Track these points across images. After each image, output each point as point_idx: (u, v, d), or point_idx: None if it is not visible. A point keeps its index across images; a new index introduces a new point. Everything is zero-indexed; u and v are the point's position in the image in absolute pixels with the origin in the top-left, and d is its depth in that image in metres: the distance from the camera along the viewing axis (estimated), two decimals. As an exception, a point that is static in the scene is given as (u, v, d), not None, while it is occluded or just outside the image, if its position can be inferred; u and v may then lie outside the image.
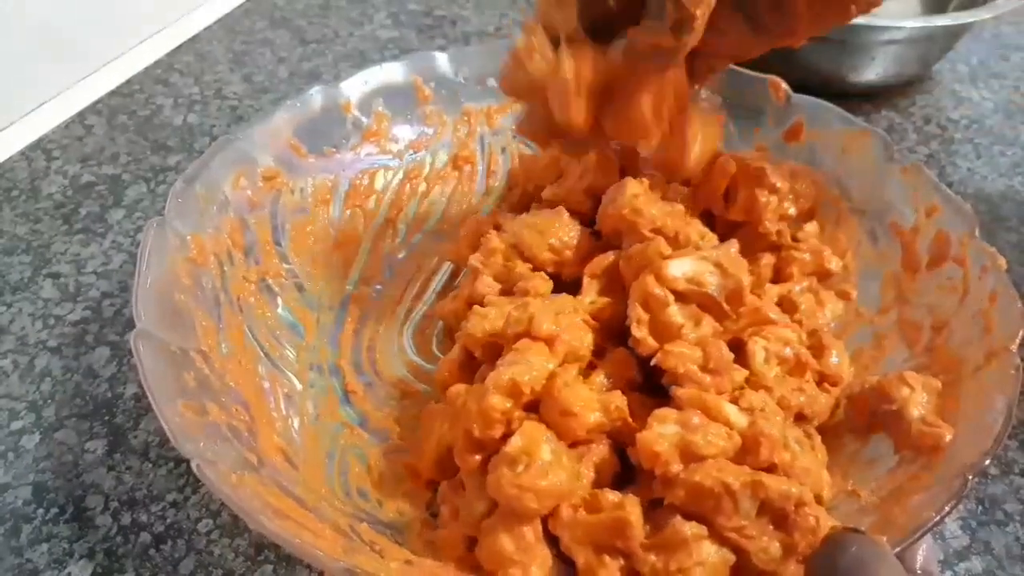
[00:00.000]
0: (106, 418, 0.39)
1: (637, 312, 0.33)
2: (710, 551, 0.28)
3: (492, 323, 0.34)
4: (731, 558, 0.28)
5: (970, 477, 0.27)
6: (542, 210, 0.40)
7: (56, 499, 0.36)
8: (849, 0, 0.32)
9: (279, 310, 0.41)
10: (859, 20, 0.53)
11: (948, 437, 0.30)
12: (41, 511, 0.36)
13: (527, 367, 0.30)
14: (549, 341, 0.32)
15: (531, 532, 0.29)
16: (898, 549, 0.26)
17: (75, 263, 0.48)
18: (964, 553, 0.34)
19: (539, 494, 0.28)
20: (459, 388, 0.33)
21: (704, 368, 0.32)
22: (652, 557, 0.28)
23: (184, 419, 0.30)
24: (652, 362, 0.32)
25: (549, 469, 0.29)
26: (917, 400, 0.32)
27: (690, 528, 0.28)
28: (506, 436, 0.30)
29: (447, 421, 0.32)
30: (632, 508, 0.28)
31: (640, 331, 0.32)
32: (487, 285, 0.38)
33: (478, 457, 0.31)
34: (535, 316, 0.32)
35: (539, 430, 0.30)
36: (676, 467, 0.28)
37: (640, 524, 0.28)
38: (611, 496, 0.29)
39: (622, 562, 0.28)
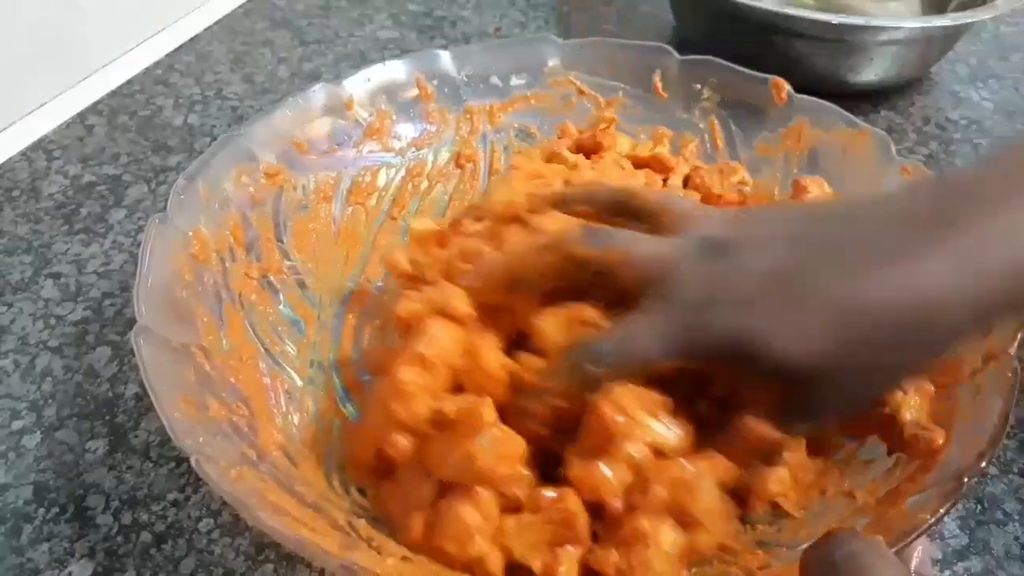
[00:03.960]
0: (107, 418, 0.40)
1: None
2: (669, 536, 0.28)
3: (414, 305, 0.33)
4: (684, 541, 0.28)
5: (966, 479, 0.27)
6: None
7: (57, 499, 0.36)
8: None
9: (280, 307, 0.41)
10: (857, 20, 0.54)
11: (940, 441, 0.30)
12: (42, 511, 0.36)
13: (435, 340, 0.31)
14: (462, 320, 0.32)
15: (490, 500, 0.29)
16: (893, 550, 0.26)
17: (76, 263, 0.48)
18: (963, 552, 0.34)
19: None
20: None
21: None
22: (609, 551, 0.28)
23: (184, 415, 0.30)
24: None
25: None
26: (909, 403, 0.32)
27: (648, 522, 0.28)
28: (439, 422, 0.30)
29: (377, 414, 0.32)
30: (572, 499, 0.29)
31: None
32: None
33: (407, 443, 0.31)
34: (450, 298, 0.32)
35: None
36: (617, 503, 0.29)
37: (584, 513, 0.29)
38: (549, 493, 0.29)
39: (580, 553, 0.29)
